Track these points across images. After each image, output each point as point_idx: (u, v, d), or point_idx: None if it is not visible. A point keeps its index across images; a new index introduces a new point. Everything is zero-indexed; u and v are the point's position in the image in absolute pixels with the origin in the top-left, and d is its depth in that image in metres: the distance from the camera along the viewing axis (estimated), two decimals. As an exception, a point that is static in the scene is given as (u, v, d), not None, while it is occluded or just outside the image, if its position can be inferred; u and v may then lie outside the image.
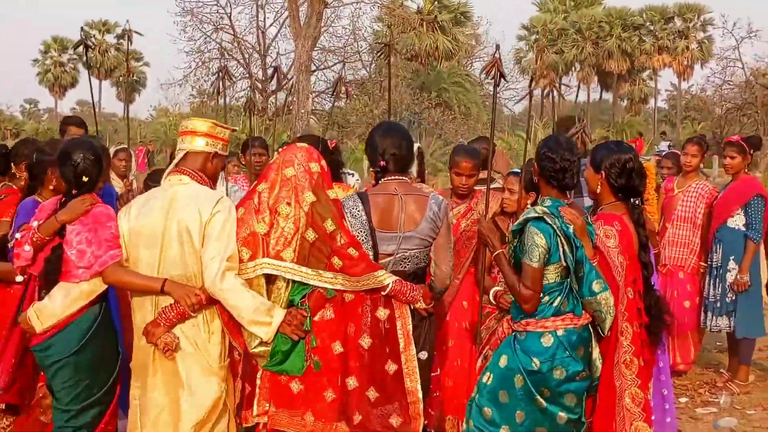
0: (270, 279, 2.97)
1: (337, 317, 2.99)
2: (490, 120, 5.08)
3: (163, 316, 2.87)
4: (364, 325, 3.02)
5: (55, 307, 3.06)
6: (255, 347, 2.89)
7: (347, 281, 2.92)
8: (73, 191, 3.10)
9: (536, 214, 2.96)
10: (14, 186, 3.97)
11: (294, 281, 2.95)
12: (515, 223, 3.14)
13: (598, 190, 3.22)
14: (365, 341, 3.01)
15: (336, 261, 2.92)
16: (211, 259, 2.82)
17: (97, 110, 7.27)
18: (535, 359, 3.00)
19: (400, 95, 23.43)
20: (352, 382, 2.98)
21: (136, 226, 2.96)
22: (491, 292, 3.62)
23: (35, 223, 3.16)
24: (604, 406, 3.13)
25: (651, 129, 31.87)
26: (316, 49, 19.37)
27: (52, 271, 3.11)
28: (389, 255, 3.09)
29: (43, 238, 3.11)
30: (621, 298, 3.08)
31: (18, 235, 3.22)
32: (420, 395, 3.04)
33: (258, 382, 3.02)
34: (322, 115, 22.30)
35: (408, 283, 3.00)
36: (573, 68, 38.57)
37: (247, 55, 25.20)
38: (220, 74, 4.52)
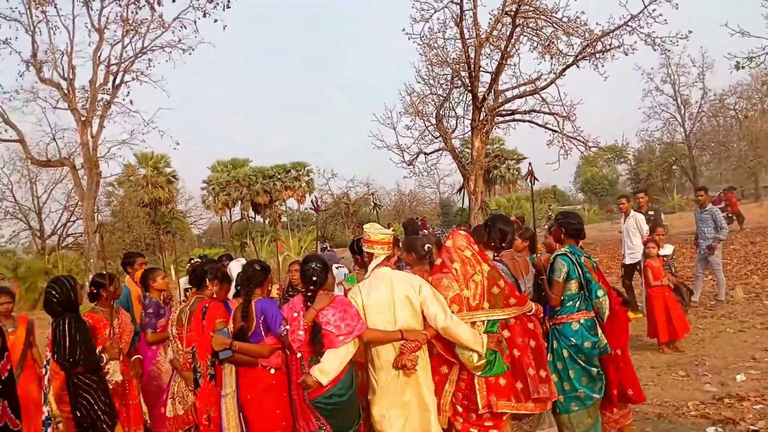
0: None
1: (512, 334, 3.97)
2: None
3: (405, 348, 3.76)
4: (526, 333, 4.02)
5: (332, 368, 3.68)
6: (477, 363, 3.80)
7: (518, 310, 3.99)
8: (311, 288, 3.83)
9: (562, 252, 4.30)
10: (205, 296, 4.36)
11: (489, 320, 3.90)
12: (551, 258, 4.39)
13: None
14: (531, 343, 4.05)
15: (512, 300, 3.98)
16: (437, 312, 3.76)
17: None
18: (572, 338, 4.17)
19: (141, 228, 30.19)
20: (531, 371, 3.92)
21: (369, 301, 3.86)
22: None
23: (296, 314, 3.80)
24: (621, 346, 4.43)
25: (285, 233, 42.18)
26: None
27: (318, 343, 3.70)
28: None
29: (309, 323, 3.73)
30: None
31: (287, 327, 3.79)
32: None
33: (476, 386, 3.84)
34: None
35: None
36: (237, 204, 49.65)
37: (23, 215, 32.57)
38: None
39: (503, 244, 4.48)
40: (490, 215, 4.92)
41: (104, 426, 4.00)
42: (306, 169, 51.13)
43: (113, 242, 28.60)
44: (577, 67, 15.68)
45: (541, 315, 4.32)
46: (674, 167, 40.35)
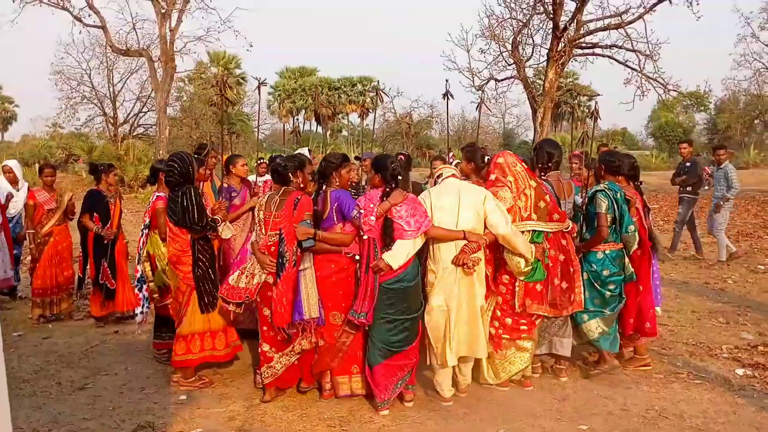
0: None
1: (550, 246, 4.46)
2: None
3: (467, 248, 4.15)
4: (558, 248, 4.50)
5: (401, 255, 4.08)
6: (523, 269, 4.31)
7: (558, 226, 4.45)
8: (392, 185, 4.17)
9: (600, 188, 4.67)
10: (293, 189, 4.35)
11: (535, 230, 4.36)
12: (589, 193, 4.76)
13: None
14: (561, 257, 4.51)
15: (555, 216, 4.44)
16: (500, 221, 4.20)
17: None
18: (593, 264, 4.66)
19: (208, 127, 29.75)
20: (556, 281, 4.47)
21: (438, 203, 4.28)
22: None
23: (371, 205, 4.14)
24: (644, 283, 4.86)
25: (346, 147, 41.96)
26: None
27: (389, 234, 4.09)
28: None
29: (383, 214, 4.10)
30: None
31: (361, 211, 4.15)
32: (581, 283, 4.56)
33: (517, 289, 4.39)
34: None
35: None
36: (301, 112, 50.66)
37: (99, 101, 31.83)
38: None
39: (549, 164, 4.81)
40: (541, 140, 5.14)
41: (214, 286, 4.53)
42: (372, 84, 50.35)
43: (180, 137, 29.44)
44: (670, 3, 14.85)
45: (576, 234, 4.74)
46: (756, 121, 38.23)
